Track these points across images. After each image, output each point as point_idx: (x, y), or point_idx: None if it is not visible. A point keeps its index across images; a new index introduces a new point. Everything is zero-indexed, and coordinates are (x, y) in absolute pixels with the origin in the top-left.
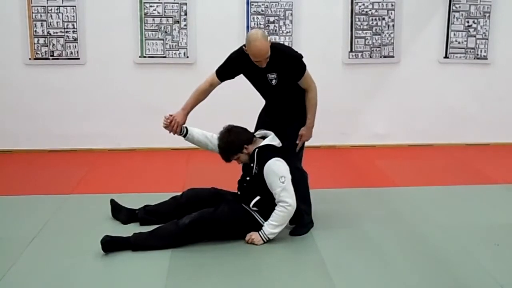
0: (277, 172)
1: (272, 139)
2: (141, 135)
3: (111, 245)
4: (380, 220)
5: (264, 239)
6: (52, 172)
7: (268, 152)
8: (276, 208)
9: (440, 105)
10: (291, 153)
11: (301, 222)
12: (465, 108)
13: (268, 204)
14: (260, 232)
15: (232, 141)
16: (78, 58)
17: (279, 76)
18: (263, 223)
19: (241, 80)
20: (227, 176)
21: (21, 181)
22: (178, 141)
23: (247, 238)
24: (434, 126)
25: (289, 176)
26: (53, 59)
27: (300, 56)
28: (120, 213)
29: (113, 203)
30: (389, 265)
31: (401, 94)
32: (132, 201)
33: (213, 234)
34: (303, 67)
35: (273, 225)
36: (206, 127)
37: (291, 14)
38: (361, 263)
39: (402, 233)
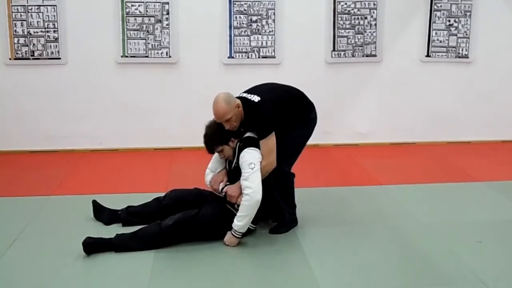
0: (247, 158)
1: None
2: (123, 135)
3: (93, 246)
4: (363, 218)
5: (236, 235)
6: (33, 173)
7: (247, 144)
8: (242, 197)
9: (422, 103)
10: (281, 153)
11: (282, 221)
12: (446, 106)
13: None
14: (230, 230)
15: (220, 130)
16: (59, 58)
17: (258, 134)
18: (250, 226)
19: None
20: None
21: (1, 183)
22: (160, 141)
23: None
24: (416, 125)
25: (258, 164)
26: (33, 59)
27: (269, 121)
28: (102, 214)
29: (95, 204)
30: (372, 263)
31: (384, 93)
32: (115, 201)
33: (196, 235)
34: (264, 131)
35: (239, 217)
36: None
37: (274, 13)
38: (344, 262)
39: (385, 231)
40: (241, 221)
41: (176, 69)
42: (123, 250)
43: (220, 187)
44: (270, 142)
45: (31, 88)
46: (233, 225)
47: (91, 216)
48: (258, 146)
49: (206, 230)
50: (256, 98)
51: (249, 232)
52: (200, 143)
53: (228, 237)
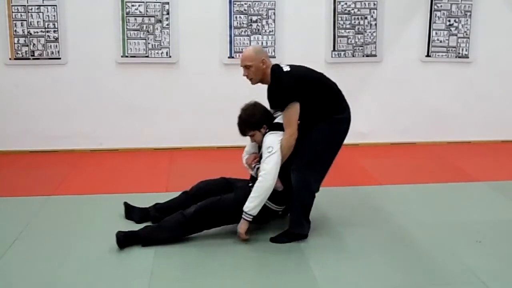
0: (266, 142)
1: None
2: (123, 135)
3: (125, 239)
4: (363, 219)
5: (246, 218)
6: (33, 173)
7: (271, 129)
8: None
9: (422, 103)
10: (301, 155)
11: (287, 231)
12: (447, 106)
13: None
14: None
15: (255, 115)
16: (59, 58)
17: (279, 102)
18: (273, 206)
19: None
20: (209, 176)
21: (1, 183)
22: (160, 141)
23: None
24: (416, 125)
25: (277, 147)
26: (33, 59)
27: (288, 88)
28: (133, 213)
29: (126, 205)
30: (372, 263)
31: (384, 93)
32: (115, 201)
33: (218, 221)
34: (286, 100)
35: (251, 198)
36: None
37: (274, 13)
38: (344, 261)
39: (385, 231)
40: (252, 202)
41: (176, 69)
42: (150, 242)
43: (253, 164)
44: (289, 113)
45: (31, 88)
46: (244, 207)
47: (91, 216)
48: (282, 130)
49: (230, 215)
50: (286, 68)
51: (275, 215)
52: (200, 143)
53: (240, 222)
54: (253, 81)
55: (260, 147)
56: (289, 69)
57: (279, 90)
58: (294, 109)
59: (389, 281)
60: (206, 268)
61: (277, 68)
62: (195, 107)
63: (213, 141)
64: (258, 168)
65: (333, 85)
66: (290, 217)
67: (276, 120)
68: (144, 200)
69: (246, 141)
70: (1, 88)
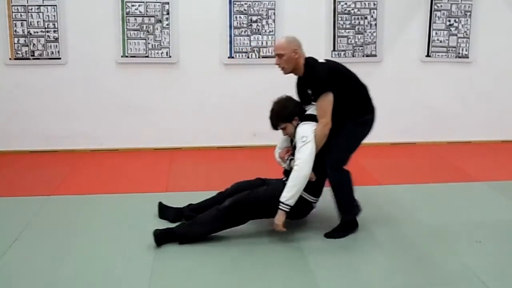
0: (300, 133)
1: (314, 110)
2: (124, 135)
3: (162, 237)
4: (363, 218)
5: (282, 208)
6: (33, 173)
7: (304, 120)
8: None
9: (422, 103)
10: (334, 152)
11: (338, 226)
12: (447, 106)
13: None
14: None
15: (287, 107)
16: (59, 58)
17: (313, 92)
18: (309, 198)
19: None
20: (210, 176)
21: (1, 183)
22: (160, 141)
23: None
24: (416, 125)
25: (311, 136)
26: (33, 59)
27: (322, 78)
28: (167, 213)
29: (160, 205)
30: (372, 264)
31: (384, 93)
32: (115, 202)
33: (255, 213)
34: (320, 89)
35: (287, 187)
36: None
37: (274, 13)
38: (344, 261)
39: (385, 231)
40: (288, 192)
41: (176, 69)
42: (186, 238)
43: (286, 156)
44: (323, 102)
45: (31, 88)
46: (280, 198)
47: (91, 216)
48: (314, 121)
49: (264, 207)
50: (322, 60)
51: (310, 208)
52: (200, 143)
53: (277, 214)
54: (285, 71)
55: (292, 141)
56: (324, 61)
57: (314, 79)
58: (328, 99)
59: (389, 281)
60: (205, 268)
61: (311, 59)
62: (195, 107)
63: (213, 141)
64: (291, 160)
65: (362, 87)
66: (338, 208)
67: (308, 113)
68: (144, 200)
69: (246, 141)
70: (1, 88)
